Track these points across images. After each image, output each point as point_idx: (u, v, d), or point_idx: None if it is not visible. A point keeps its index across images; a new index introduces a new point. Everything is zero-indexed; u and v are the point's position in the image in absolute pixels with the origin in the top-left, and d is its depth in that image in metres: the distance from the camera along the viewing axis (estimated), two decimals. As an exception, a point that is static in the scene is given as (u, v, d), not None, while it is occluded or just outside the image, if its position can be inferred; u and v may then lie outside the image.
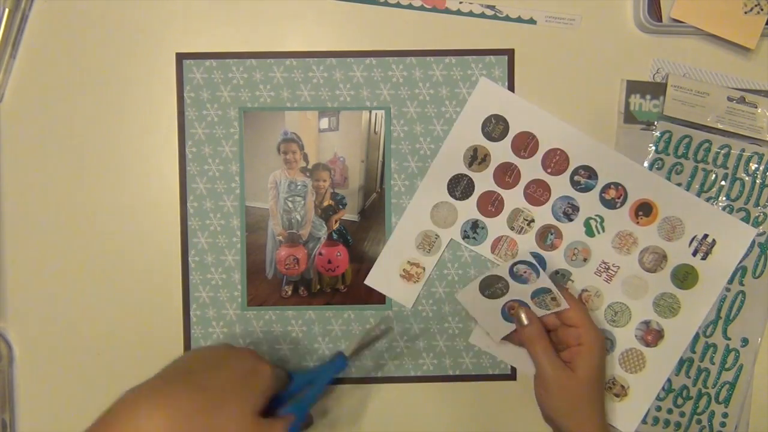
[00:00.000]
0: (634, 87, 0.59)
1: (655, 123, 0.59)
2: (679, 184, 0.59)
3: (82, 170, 0.59)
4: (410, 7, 0.59)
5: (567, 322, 0.55)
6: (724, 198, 0.59)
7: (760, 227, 0.59)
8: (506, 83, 0.59)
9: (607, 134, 0.60)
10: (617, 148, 0.59)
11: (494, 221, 0.60)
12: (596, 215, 0.59)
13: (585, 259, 0.59)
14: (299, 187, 0.60)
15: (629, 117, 0.60)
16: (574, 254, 0.59)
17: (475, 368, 0.60)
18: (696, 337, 0.60)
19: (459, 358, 0.60)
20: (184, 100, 0.59)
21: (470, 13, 0.59)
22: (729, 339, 0.60)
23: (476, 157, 0.59)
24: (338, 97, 0.59)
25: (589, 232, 0.59)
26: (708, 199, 0.59)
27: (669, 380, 0.60)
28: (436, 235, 0.60)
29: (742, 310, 0.60)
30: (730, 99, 0.59)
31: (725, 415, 0.60)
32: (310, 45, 0.59)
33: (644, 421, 0.60)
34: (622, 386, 0.59)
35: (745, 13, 0.58)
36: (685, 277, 0.59)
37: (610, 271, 0.59)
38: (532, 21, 0.60)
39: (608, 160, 0.59)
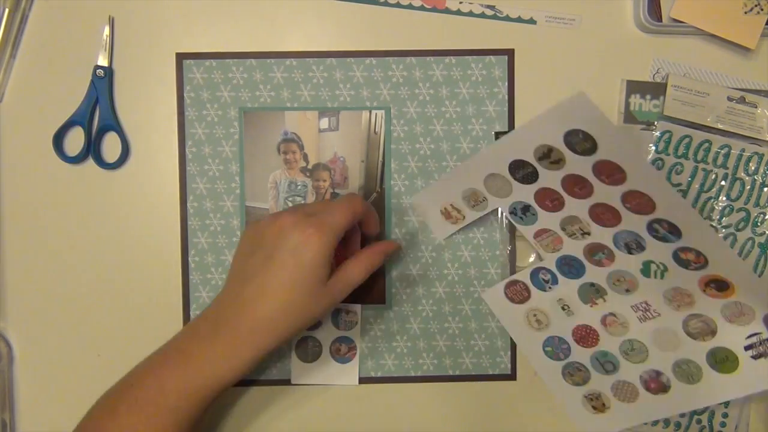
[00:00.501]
0: (634, 87, 0.59)
1: (655, 123, 0.59)
2: (678, 185, 0.59)
3: (82, 170, 0.59)
4: (410, 7, 0.59)
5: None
6: (724, 198, 0.59)
7: (759, 228, 0.59)
8: (506, 83, 0.59)
9: (607, 134, 0.60)
10: (617, 148, 0.59)
11: (548, 215, 0.55)
12: (661, 263, 0.52)
13: (627, 290, 0.55)
14: (299, 187, 0.60)
15: (629, 117, 0.60)
16: (618, 280, 0.55)
17: (475, 368, 0.60)
18: (696, 338, 0.59)
19: (459, 358, 0.60)
20: (184, 100, 0.59)
21: (470, 13, 0.59)
22: (729, 340, 0.59)
23: (549, 156, 0.53)
24: (338, 97, 0.59)
25: (646, 273, 0.53)
26: (708, 199, 0.59)
27: (669, 381, 0.59)
28: (485, 197, 0.57)
29: (742, 310, 0.59)
30: (730, 99, 0.59)
31: (725, 415, 0.60)
32: (310, 45, 0.59)
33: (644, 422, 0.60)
34: (604, 404, 0.57)
35: (745, 13, 0.58)
36: (723, 360, 0.53)
37: (648, 313, 0.54)
38: (532, 21, 0.60)
39: (699, 229, 0.50)
